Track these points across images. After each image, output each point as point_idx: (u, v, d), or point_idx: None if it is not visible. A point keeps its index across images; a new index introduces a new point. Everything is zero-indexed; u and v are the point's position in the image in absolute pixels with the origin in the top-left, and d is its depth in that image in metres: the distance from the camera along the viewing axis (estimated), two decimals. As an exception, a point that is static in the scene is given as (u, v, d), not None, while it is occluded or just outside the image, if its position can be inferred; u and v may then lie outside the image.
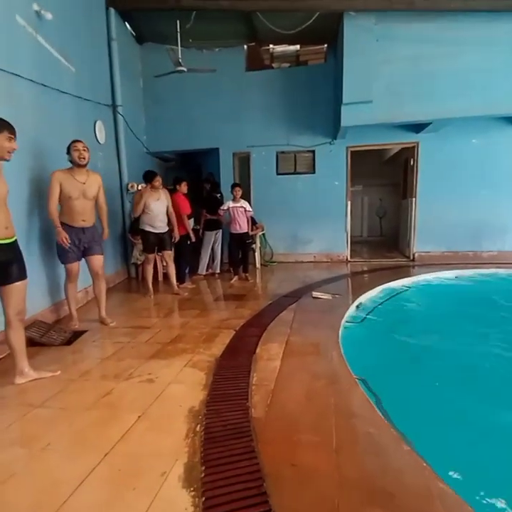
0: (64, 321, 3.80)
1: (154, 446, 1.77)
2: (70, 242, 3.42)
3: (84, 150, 3.45)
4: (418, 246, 7.23)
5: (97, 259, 3.67)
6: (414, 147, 6.98)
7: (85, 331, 3.49)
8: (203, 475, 1.55)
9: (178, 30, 5.54)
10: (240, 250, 5.91)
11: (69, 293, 3.62)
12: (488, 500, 1.47)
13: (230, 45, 7.06)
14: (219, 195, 6.81)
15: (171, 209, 4.88)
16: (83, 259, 3.64)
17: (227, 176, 7.39)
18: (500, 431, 2.04)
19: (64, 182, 3.39)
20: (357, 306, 4.17)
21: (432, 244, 7.17)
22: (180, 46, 5.50)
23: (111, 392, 2.31)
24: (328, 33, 6.37)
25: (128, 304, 4.58)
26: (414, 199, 7.11)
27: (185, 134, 7.26)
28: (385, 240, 10.50)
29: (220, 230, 6.36)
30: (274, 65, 7.45)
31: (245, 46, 7.17)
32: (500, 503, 1.48)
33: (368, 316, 3.91)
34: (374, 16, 5.57)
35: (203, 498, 1.43)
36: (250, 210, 5.94)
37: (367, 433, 1.76)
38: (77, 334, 3.41)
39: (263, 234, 7.17)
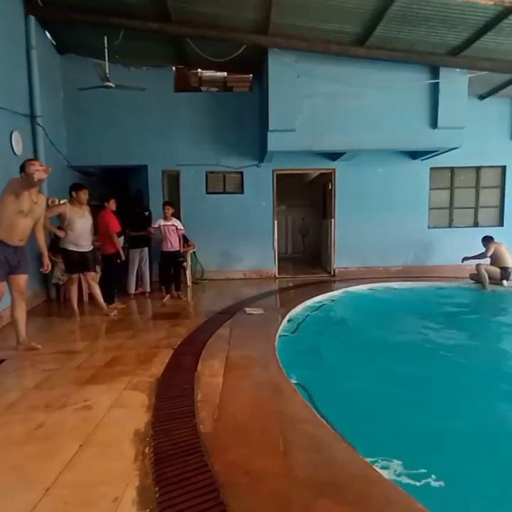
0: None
1: (102, 474, 1.72)
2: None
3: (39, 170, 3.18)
4: (338, 262, 7.89)
5: (23, 278, 3.41)
6: (331, 173, 7.70)
7: (3, 360, 3.16)
8: (157, 495, 1.56)
9: (106, 45, 5.46)
10: (171, 268, 5.86)
11: None
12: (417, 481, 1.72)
13: (159, 65, 7.12)
14: (147, 212, 6.70)
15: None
16: None
17: (156, 193, 7.30)
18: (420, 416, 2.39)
19: (19, 194, 3.15)
20: (288, 320, 4.42)
21: (349, 261, 7.89)
22: (107, 62, 5.41)
23: (44, 423, 2.15)
24: (254, 64, 6.81)
25: (52, 328, 4.24)
26: (333, 220, 7.79)
27: (111, 149, 7.04)
28: (308, 257, 11.19)
29: (146, 248, 6.23)
30: (202, 88, 7.67)
31: (174, 68, 7.29)
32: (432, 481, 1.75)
33: (299, 328, 4.18)
34: (295, 54, 6.12)
35: (161, 517, 1.44)
36: (182, 228, 5.96)
37: (310, 435, 1.93)
38: (-7, 364, 3.08)
39: (194, 252, 7.19)
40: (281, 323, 4.16)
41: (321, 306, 5.32)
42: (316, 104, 6.28)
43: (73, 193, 4.53)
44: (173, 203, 6.15)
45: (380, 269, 7.88)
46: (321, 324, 4.56)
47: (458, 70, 6.17)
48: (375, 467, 1.63)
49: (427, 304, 5.82)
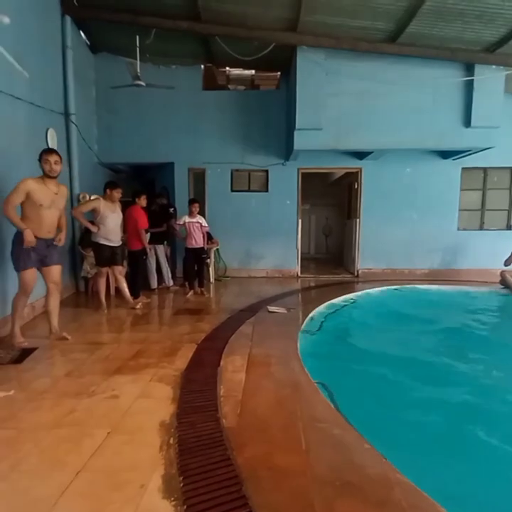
0: (5, 339, 3.52)
1: (129, 461, 1.78)
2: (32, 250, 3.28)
3: (55, 163, 3.35)
4: (362, 263, 7.78)
5: (57, 269, 3.55)
6: (358, 172, 7.59)
7: (35, 349, 3.31)
8: (182, 484, 1.60)
9: (138, 45, 5.58)
10: (195, 265, 5.95)
11: (19, 306, 3.39)
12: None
13: (188, 63, 7.22)
14: (172, 209, 6.82)
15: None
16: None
17: (181, 190, 7.42)
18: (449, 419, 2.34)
19: (35, 190, 3.25)
20: (311, 319, 4.41)
21: (373, 262, 7.76)
22: (138, 61, 5.53)
23: (74, 410, 2.25)
24: (282, 63, 6.79)
25: (80, 319, 4.39)
26: (358, 220, 7.68)
27: (139, 147, 7.20)
28: (330, 257, 11.09)
29: (161, 245, 6.31)
30: (230, 86, 7.73)
31: (202, 66, 7.37)
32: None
33: (322, 327, 4.16)
34: (324, 52, 6.06)
35: (185, 507, 1.48)
36: (206, 225, 6.03)
37: (332, 434, 1.93)
38: (26, 352, 3.23)
39: (217, 249, 7.27)
40: (303, 322, 4.16)
41: (344, 306, 5.27)
42: (343, 102, 6.21)
43: (107, 191, 4.70)
44: (199, 200, 6.22)
45: (406, 271, 7.71)
46: (344, 324, 4.53)
47: (494, 66, 5.94)
48: (397, 469, 1.62)
49: (452, 307, 5.66)
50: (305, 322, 4.15)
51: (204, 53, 6.88)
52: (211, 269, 6.90)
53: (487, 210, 7.77)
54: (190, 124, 7.31)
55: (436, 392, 2.81)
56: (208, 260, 6.82)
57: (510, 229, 7.70)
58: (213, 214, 7.47)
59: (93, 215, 4.68)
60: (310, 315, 4.49)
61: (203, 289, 5.96)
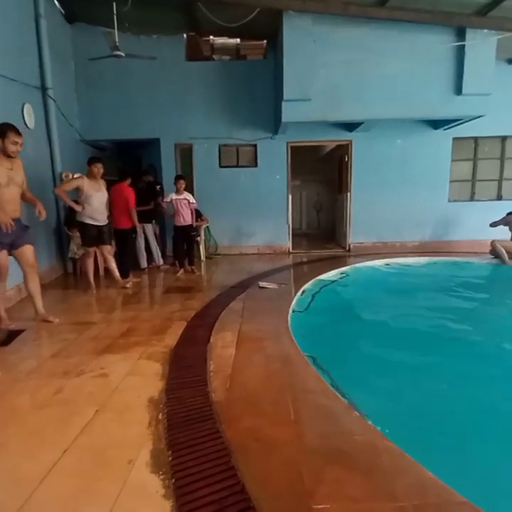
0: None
1: (117, 438, 1.76)
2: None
3: (21, 146, 3.19)
4: (353, 237, 7.76)
5: (29, 249, 3.37)
6: (348, 145, 7.45)
7: (22, 331, 3.26)
8: (170, 459, 1.59)
9: (115, 13, 5.29)
10: (184, 243, 5.88)
11: None
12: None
13: (169, 33, 6.89)
14: (159, 187, 6.67)
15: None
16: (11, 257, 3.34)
17: (168, 167, 7.24)
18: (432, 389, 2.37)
19: None
20: (302, 294, 4.40)
21: (364, 236, 7.75)
22: (117, 30, 5.25)
23: (62, 389, 2.22)
24: (268, 30, 6.51)
25: (69, 301, 4.33)
26: (349, 194, 7.61)
27: (123, 123, 6.96)
28: (322, 232, 11.07)
29: (150, 224, 6.20)
30: (214, 56, 7.42)
31: (185, 35, 7.05)
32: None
33: (312, 302, 4.16)
34: (311, 18, 5.81)
35: (173, 480, 1.48)
36: (194, 202, 5.91)
37: (320, 405, 1.94)
38: (13, 334, 3.18)
39: (207, 227, 7.18)
40: (294, 297, 4.14)
41: (335, 280, 5.27)
42: (332, 71, 6.01)
43: (88, 167, 4.55)
44: (185, 176, 6.08)
45: (397, 244, 7.73)
46: (334, 299, 4.54)
47: (485, 31, 5.76)
48: (386, 436, 1.63)
49: (443, 278, 5.71)
50: (296, 297, 4.14)
51: (186, 21, 6.56)
52: (201, 247, 6.84)
53: (478, 180, 7.73)
54: (175, 97, 7.06)
55: (428, 362, 2.83)
56: (198, 238, 6.75)
57: (500, 199, 7.70)
58: (202, 191, 7.33)
59: (77, 194, 4.55)
60: (301, 290, 4.48)
61: (193, 267, 5.91)
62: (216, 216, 7.28)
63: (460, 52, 5.89)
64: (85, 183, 4.45)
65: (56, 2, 6.02)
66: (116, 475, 1.52)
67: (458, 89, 6.03)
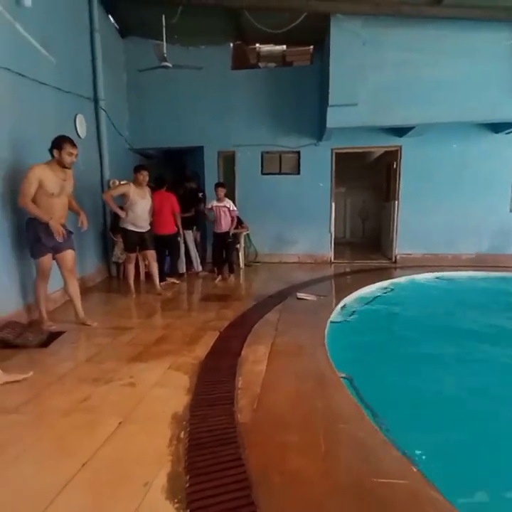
0: (35, 323, 3.58)
1: (137, 454, 1.69)
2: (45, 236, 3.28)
3: (76, 157, 3.37)
4: (400, 248, 7.33)
5: (70, 254, 3.49)
6: (397, 151, 7.08)
7: (63, 332, 3.35)
8: (187, 485, 1.49)
9: (164, 24, 5.43)
10: (223, 250, 5.86)
11: (40, 291, 3.42)
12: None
13: (216, 42, 6.99)
14: (201, 194, 6.73)
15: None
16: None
17: (211, 174, 7.30)
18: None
19: (45, 178, 3.21)
20: (342, 308, 4.17)
21: (413, 247, 7.28)
22: (166, 42, 5.39)
23: (90, 396, 2.21)
24: (314, 35, 6.38)
25: (109, 304, 4.44)
26: (396, 202, 7.21)
27: (169, 131, 7.13)
28: (367, 242, 10.61)
29: (190, 230, 6.25)
30: (260, 64, 7.41)
31: (231, 44, 7.11)
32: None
33: (352, 317, 3.92)
34: (361, 20, 5.60)
35: (188, 510, 1.37)
36: (234, 209, 5.88)
37: (355, 437, 1.74)
38: (54, 335, 3.27)
39: (248, 234, 7.12)
40: (333, 310, 3.93)
41: (379, 295, 4.95)
42: (382, 74, 5.73)
43: (134, 174, 4.68)
44: (225, 184, 6.07)
45: (449, 256, 7.17)
46: (377, 314, 4.24)
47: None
48: (431, 484, 1.40)
49: (501, 296, 5.17)
50: (335, 311, 3.92)
51: (233, 30, 6.62)
52: (241, 255, 6.78)
53: (545, 188, 6.99)
54: (220, 105, 7.12)
55: (478, 394, 2.51)
56: (238, 245, 6.71)
57: None
58: (243, 198, 7.30)
59: (123, 201, 4.68)
60: (341, 303, 4.25)
61: (232, 274, 5.87)
62: (257, 224, 7.20)
63: (525, 50, 5.38)
64: (131, 190, 4.56)
65: (110, 17, 6.32)
66: (132, 496, 1.44)
67: (522, 89, 5.50)
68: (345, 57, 5.68)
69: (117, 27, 6.67)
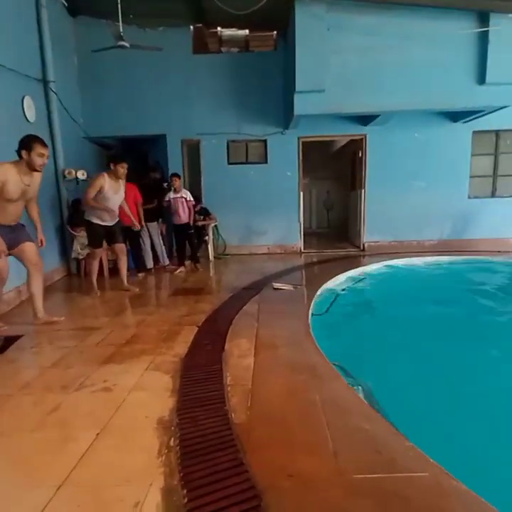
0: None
1: (121, 470, 1.47)
2: None
3: (47, 157, 3.04)
4: (367, 236, 7.42)
5: (29, 246, 3.15)
6: (362, 139, 7.12)
7: (20, 336, 3.00)
8: (185, 500, 1.30)
9: (119, 3, 5.02)
10: (185, 241, 5.68)
11: None
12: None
13: (175, 24, 6.63)
14: (166, 184, 6.40)
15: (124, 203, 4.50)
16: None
17: (175, 164, 6.96)
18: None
19: (7, 180, 2.85)
20: (320, 296, 4.09)
21: (380, 234, 7.40)
22: (121, 22, 4.99)
23: (59, 406, 1.94)
24: (278, 20, 6.21)
25: (71, 304, 4.08)
26: (363, 190, 7.27)
27: (127, 118, 6.70)
28: (333, 231, 10.72)
29: (154, 223, 5.90)
30: (222, 49, 7.14)
31: (191, 27, 6.78)
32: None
33: (332, 305, 3.85)
34: (325, 4, 5.51)
35: (191, 530, 1.19)
36: (191, 199, 5.66)
37: (362, 429, 1.63)
38: (9, 340, 2.91)
39: (216, 226, 6.89)
40: (312, 299, 3.83)
41: (354, 281, 4.95)
42: (347, 60, 5.69)
43: (111, 166, 4.19)
44: (179, 174, 5.84)
45: (414, 243, 7.37)
46: (355, 301, 4.22)
47: (510, 15, 5.40)
48: (450, 473, 1.31)
49: (468, 279, 5.36)
50: (314, 299, 3.83)
51: (193, 12, 6.29)
52: (210, 247, 6.55)
53: (499, 176, 7.34)
54: (182, 91, 6.79)
55: (463, 369, 2.53)
56: (207, 237, 6.47)
57: (524, 195, 7.31)
58: (210, 188, 7.05)
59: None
60: (319, 292, 4.16)
61: (197, 264, 5.69)
62: (225, 215, 6.99)
63: (483, 39, 5.53)
64: (106, 183, 4.09)
65: (58, -7, 5.79)
66: (120, 523, 1.23)
67: (481, 79, 5.67)
68: (311, 42, 5.58)
69: (66, 4, 6.12)
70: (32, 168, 2.96)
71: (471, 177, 7.24)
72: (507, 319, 3.73)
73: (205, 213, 6.43)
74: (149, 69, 6.65)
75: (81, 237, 5.05)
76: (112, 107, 6.68)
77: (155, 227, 5.90)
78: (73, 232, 5.24)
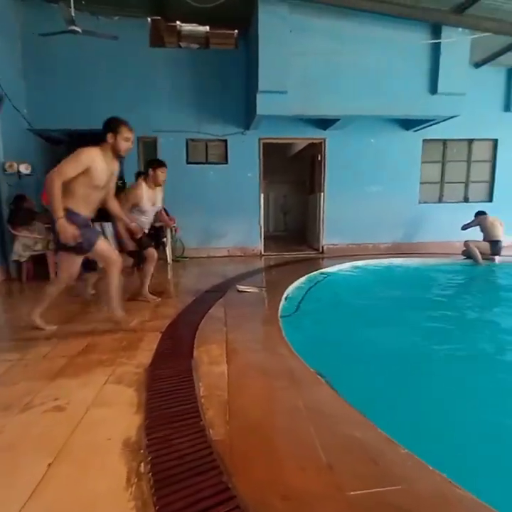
0: None
1: (82, 505, 1.23)
2: None
3: (132, 142, 2.81)
4: (326, 239, 7.51)
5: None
6: (321, 143, 7.21)
7: (-51, 351, 2.57)
8: (164, 537, 1.10)
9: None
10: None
11: None
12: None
13: (132, 15, 6.30)
14: (121, 182, 6.01)
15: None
16: None
17: (131, 162, 6.56)
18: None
19: (96, 167, 2.65)
20: (286, 298, 4.00)
21: (338, 237, 7.52)
22: (73, 7, 4.61)
23: (3, 430, 1.63)
24: (240, 18, 6.13)
25: (12, 311, 3.61)
26: (322, 194, 7.36)
27: (78, 111, 6.22)
28: (290, 235, 10.79)
29: (110, 222, 5.52)
30: (181, 44, 6.89)
31: (149, 19, 6.48)
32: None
33: (300, 306, 3.77)
34: (288, 5, 5.49)
35: None
36: None
37: (354, 438, 1.51)
38: None
39: (173, 227, 6.58)
40: (279, 301, 3.73)
41: (317, 282, 4.94)
42: (309, 63, 5.71)
43: (150, 171, 3.61)
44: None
45: (370, 245, 7.59)
46: (322, 302, 4.18)
47: (460, 29, 5.73)
48: (454, 482, 1.24)
49: (423, 279, 5.58)
50: (282, 301, 3.73)
51: (152, 2, 6.01)
52: (168, 250, 6.25)
53: (446, 182, 7.80)
54: (138, 85, 6.45)
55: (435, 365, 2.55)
56: (164, 239, 6.17)
57: (467, 201, 7.81)
58: (168, 189, 6.66)
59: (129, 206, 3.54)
60: (285, 293, 4.07)
61: (138, 267, 5.41)
62: (183, 216, 6.69)
63: (436, 51, 5.83)
64: (144, 195, 3.56)
65: (-2, -33, 5.25)
66: None
67: (433, 89, 5.97)
68: (274, 42, 5.53)
69: (7, -18, 5.57)
70: (116, 153, 2.72)
71: (421, 183, 7.61)
72: (453, 309, 4.01)
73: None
74: (102, 59, 6.26)
75: (23, 237, 4.55)
76: (61, 97, 6.19)
77: (110, 227, 5.49)
78: (14, 232, 4.71)
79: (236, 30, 6.70)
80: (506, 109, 7.40)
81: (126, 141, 2.73)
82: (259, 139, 6.95)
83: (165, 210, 6.04)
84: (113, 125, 2.72)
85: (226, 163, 6.98)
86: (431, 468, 1.31)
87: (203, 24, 6.64)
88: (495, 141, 7.64)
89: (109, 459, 1.45)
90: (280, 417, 1.70)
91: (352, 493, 1.22)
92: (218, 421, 1.66)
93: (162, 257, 6.10)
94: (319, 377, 2.03)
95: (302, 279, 4.89)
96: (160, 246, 6.12)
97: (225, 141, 6.91)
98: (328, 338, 3.03)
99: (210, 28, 6.72)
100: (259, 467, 1.37)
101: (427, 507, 1.17)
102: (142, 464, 1.41)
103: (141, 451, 1.48)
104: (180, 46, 6.83)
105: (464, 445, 1.73)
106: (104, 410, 1.80)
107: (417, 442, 1.44)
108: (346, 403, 1.76)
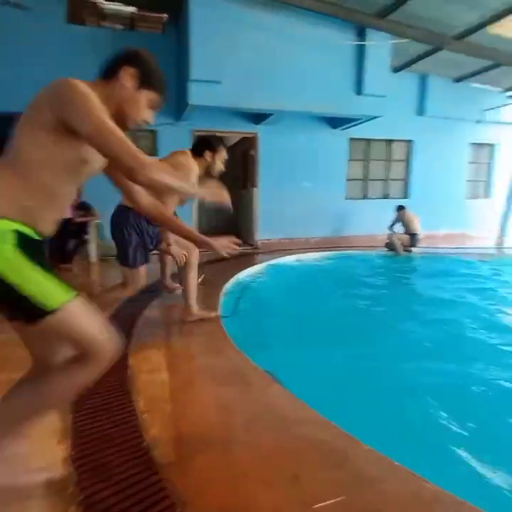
0: None
1: None
2: None
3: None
4: (260, 234, 7.49)
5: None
6: (254, 137, 7.15)
7: None
8: None
9: None
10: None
11: None
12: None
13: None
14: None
15: None
16: None
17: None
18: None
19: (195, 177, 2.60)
20: (224, 296, 3.84)
21: (271, 232, 7.54)
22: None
23: None
24: (170, 1, 5.75)
25: None
26: (255, 189, 7.31)
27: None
28: (221, 231, 10.58)
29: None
30: (104, 23, 6.28)
31: (65, -8, 5.80)
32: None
33: (239, 304, 3.63)
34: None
35: None
36: None
37: (322, 442, 1.40)
38: None
39: (99, 223, 6.00)
40: (218, 299, 3.55)
41: (255, 279, 4.85)
42: (244, 54, 5.58)
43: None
44: None
45: (302, 240, 7.74)
46: (261, 299, 4.09)
47: (383, 33, 6.04)
48: (424, 478, 1.19)
49: (354, 271, 5.81)
50: (220, 300, 3.55)
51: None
52: (93, 247, 5.68)
53: (370, 180, 8.28)
54: (53, 65, 5.65)
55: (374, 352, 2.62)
56: (87, 236, 5.60)
57: (387, 198, 8.37)
58: (91, 181, 6.07)
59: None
60: (222, 291, 3.90)
61: (66, 265, 4.97)
62: (109, 211, 6.12)
63: (361, 53, 6.10)
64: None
65: None
66: None
67: (359, 89, 6.24)
68: (206, 30, 5.29)
69: None
70: (209, 173, 2.55)
71: (347, 180, 7.98)
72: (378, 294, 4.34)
73: (85, 208, 5.55)
74: (11, 33, 5.43)
75: None
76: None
77: None
78: None
79: (165, 15, 6.29)
80: (419, 113, 8.08)
81: (222, 163, 2.67)
82: (191, 131, 6.65)
83: (86, 203, 5.53)
84: (214, 143, 2.61)
85: (156, 155, 6.55)
86: (396, 463, 1.25)
87: (130, 4, 6.11)
88: (410, 142, 8.29)
89: (28, 503, 1.15)
90: (236, 425, 1.54)
91: (323, 505, 1.11)
92: (164, 440, 1.44)
93: (85, 256, 5.56)
94: (269, 377, 1.91)
95: (238, 276, 4.76)
96: (82, 243, 5.58)
97: (155, 132, 6.49)
98: (269, 332, 2.96)
99: (137, 10, 6.22)
100: (219, 488, 1.19)
101: (402, 505, 1.10)
102: (73, 508, 1.14)
103: (70, 490, 1.21)
104: (100, 25, 6.23)
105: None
106: (18, 443, 1.46)
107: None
108: (305, 403, 1.65)
